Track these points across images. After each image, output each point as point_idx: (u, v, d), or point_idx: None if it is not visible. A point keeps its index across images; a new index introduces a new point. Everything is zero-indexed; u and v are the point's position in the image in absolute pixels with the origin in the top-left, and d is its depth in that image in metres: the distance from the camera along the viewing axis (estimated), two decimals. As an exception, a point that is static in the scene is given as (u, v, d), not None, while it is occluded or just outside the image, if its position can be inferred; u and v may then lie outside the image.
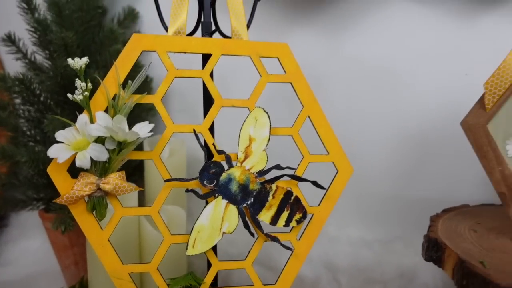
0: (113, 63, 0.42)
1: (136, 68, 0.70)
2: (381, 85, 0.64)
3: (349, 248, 0.66)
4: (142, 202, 0.75)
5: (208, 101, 0.46)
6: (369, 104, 0.65)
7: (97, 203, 0.41)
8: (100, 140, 0.40)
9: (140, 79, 0.43)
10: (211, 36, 0.48)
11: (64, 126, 0.42)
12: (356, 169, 0.68)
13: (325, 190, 0.46)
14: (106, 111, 0.42)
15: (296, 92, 0.46)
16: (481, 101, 0.42)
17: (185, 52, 0.44)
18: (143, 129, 0.41)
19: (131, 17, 0.79)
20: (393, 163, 0.65)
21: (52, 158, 0.39)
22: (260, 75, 0.45)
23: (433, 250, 0.44)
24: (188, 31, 0.48)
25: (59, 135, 0.40)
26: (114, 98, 0.42)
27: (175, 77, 0.44)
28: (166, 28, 0.49)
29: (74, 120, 0.41)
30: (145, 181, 0.73)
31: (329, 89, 0.67)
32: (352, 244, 0.66)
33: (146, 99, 0.43)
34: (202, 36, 0.48)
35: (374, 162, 0.66)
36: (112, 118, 0.41)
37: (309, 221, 0.46)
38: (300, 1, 0.65)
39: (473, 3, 0.57)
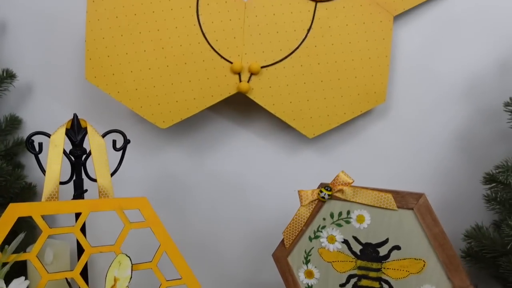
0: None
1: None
2: (235, 195, 0.81)
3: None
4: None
5: (80, 249, 0.56)
6: (227, 210, 0.81)
7: None
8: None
9: (16, 243, 0.52)
10: (82, 194, 0.59)
11: None
12: (219, 260, 0.85)
13: None
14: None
15: (154, 234, 0.59)
16: (282, 241, 0.60)
17: (58, 213, 0.54)
18: (19, 287, 0.50)
19: (14, 124, 0.84)
20: (246, 255, 0.82)
21: None
22: (124, 224, 0.57)
23: None
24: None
25: None
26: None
27: (49, 235, 0.53)
28: (44, 172, 0.58)
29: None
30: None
31: (196, 196, 0.82)
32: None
33: (23, 256, 0.52)
34: (75, 192, 0.58)
35: (232, 254, 0.83)
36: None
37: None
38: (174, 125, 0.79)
39: (296, 140, 0.77)
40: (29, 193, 0.84)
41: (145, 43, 0.66)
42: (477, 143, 0.73)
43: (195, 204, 0.82)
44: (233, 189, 0.81)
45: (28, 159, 0.86)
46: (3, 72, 0.79)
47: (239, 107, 0.77)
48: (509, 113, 0.59)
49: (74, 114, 0.58)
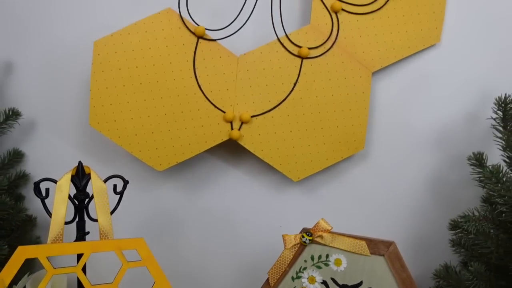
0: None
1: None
2: (225, 231, 0.86)
3: None
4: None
5: (81, 287, 0.61)
6: (217, 244, 0.86)
7: None
8: None
9: (23, 284, 0.56)
10: (84, 236, 0.63)
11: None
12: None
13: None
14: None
15: (150, 272, 0.64)
16: (268, 280, 0.65)
17: (62, 255, 0.59)
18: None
19: (16, 158, 0.89)
20: (234, 286, 0.88)
21: None
22: (122, 263, 0.62)
23: None
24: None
25: None
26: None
27: (53, 274, 0.58)
28: (50, 215, 0.62)
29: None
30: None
31: (188, 230, 0.87)
32: None
33: (28, 296, 0.57)
34: (77, 234, 0.63)
35: (221, 285, 0.88)
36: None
37: None
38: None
39: (282, 180, 0.83)
40: (30, 225, 0.88)
41: (145, 93, 0.72)
42: (446, 188, 0.79)
43: (187, 238, 0.87)
44: (223, 225, 0.86)
45: (29, 191, 0.90)
46: (9, 111, 0.84)
47: (231, 148, 0.83)
48: (472, 167, 0.66)
49: (79, 161, 0.63)
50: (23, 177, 0.88)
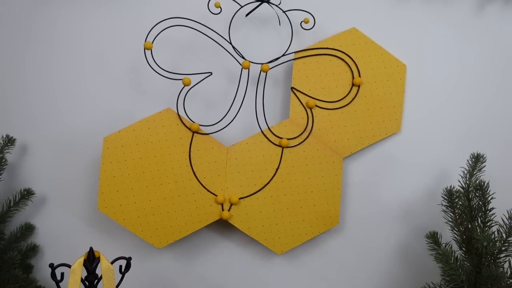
0: None
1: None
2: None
3: None
4: None
5: None
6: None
7: None
8: None
9: None
10: (93, 314, 0.72)
11: None
12: None
13: None
14: None
15: None
16: None
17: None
18: None
19: (28, 231, 0.98)
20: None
21: None
22: (126, 338, 0.71)
23: None
24: None
25: None
26: None
27: None
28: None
29: None
30: None
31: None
32: None
33: None
34: (87, 312, 0.72)
35: None
36: None
37: None
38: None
39: (267, 251, 0.92)
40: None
41: (147, 180, 0.83)
42: (413, 257, 0.90)
43: (183, 303, 0.96)
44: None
45: (38, 261, 0.98)
46: (24, 190, 0.94)
47: (223, 223, 0.93)
48: (429, 244, 0.76)
49: (90, 247, 0.73)
50: (34, 249, 0.97)
